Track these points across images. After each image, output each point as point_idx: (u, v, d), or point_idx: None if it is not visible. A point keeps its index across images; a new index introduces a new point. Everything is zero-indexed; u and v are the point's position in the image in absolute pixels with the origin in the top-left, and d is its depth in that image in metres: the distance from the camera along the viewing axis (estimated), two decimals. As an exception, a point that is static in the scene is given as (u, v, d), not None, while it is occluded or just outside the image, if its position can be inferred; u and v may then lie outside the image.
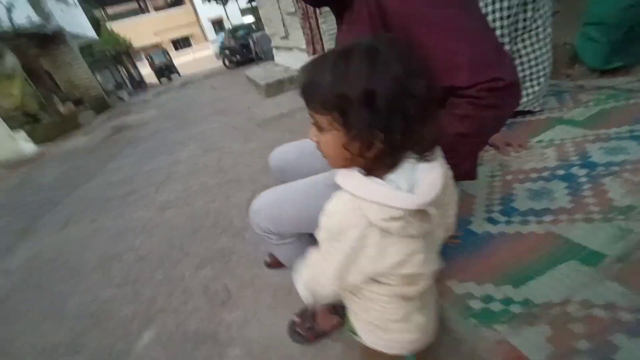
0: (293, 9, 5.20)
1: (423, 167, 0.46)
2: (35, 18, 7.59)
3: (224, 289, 1.54)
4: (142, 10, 26.59)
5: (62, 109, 7.65)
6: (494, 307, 0.73)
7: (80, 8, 11.18)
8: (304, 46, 5.13)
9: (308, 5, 4.52)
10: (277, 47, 7.57)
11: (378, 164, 0.46)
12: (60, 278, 2.02)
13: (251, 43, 10.86)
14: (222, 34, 14.19)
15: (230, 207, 2.30)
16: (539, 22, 1.25)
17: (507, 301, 0.73)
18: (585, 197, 0.94)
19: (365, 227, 0.45)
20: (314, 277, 0.54)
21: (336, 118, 0.43)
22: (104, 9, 23.31)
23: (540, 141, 1.25)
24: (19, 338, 1.59)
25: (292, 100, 4.71)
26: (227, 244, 1.88)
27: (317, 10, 4.45)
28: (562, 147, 1.18)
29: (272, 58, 8.40)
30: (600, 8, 1.51)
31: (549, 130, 1.29)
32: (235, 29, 12.68)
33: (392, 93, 0.40)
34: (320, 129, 0.47)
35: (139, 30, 23.89)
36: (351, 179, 0.47)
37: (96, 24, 13.43)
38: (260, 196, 0.91)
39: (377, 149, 0.43)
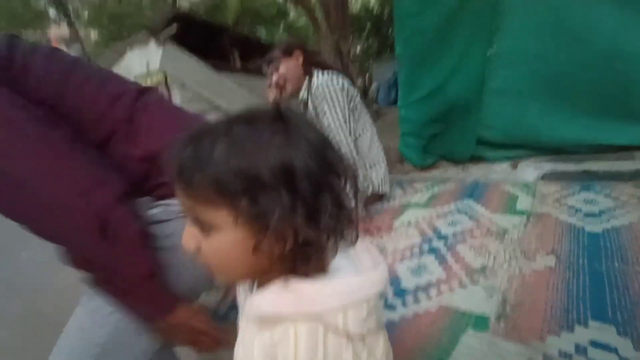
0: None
1: (351, 250, 0.38)
2: None
3: None
4: None
5: None
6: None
7: None
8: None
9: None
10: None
11: (303, 264, 0.33)
12: None
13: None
14: None
15: None
16: (367, 127, 1.56)
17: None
18: (451, 265, 1.06)
19: (349, 349, 0.32)
20: None
21: (241, 209, 0.31)
22: None
23: (401, 223, 1.43)
24: None
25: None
26: None
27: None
28: (419, 225, 1.37)
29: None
30: (408, 124, 2.11)
31: (405, 213, 1.51)
32: None
33: (316, 166, 0.31)
34: (205, 229, 0.33)
35: None
36: (297, 295, 0.32)
37: None
38: None
39: (299, 244, 0.31)
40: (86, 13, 11.47)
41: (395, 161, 2.19)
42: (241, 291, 0.44)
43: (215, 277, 0.37)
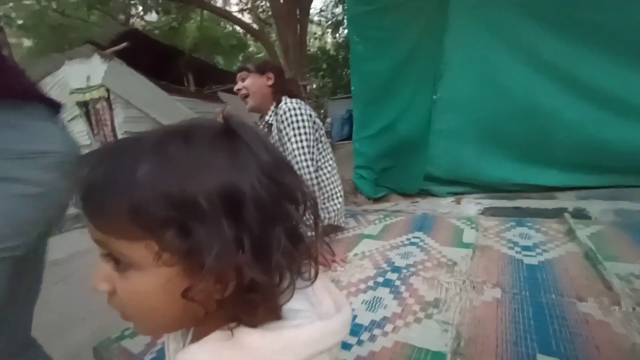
0: (88, 142, 4.62)
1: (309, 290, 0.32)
2: None
3: None
4: None
5: None
6: None
7: None
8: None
9: (109, 139, 4.16)
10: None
11: (249, 311, 0.27)
12: None
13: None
14: None
15: None
16: (328, 160, 1.58)
17: None
18: (405, 298, 1.03)
19: None
20: None
21: (166, 243, 0.24)
22: None
23: (355, 254, 1.39)
24: None
25: (74, 242, 3.61)
26: None
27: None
28: (372, 257, 1.35)
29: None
30: (361, 157, 2.17)
31: (359, 244, 1.48)
32: None
33: (267, 191, 0.26)
34: (120, 267, 0.26)
35: None
36: (253, 345, 0.25)
37: None
38: None
39: (243, 289, 0.26)
40: (20, 19, 10.47)
41: (349, 193, 2.22)
42: (171, 340, 0.35)
43: (135, 327, 0.29)
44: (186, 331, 0.34)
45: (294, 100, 1.42)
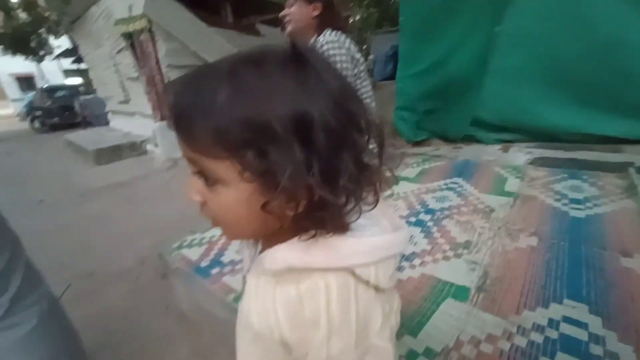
0: (135, 75, 4.80)
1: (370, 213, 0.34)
2: None
3: None
4: None
5: None
6: (404, 369, 0.64)
7: None
8: (149, 112, 4.67)
9: (154, 72, 4.28)
10: (114, 112, 6.65)
11: (319, 224, 0.29)
12: None
13: (77, 105, 9.21)
14: (32, 93, 11.52)
15: None
16: (366, 99, 1.52)
17: (413, 355, 0.66)
18: (436, 238, 1.06)
19: (376, 300, 0.32)
20: None
21: (247, 163, 0.26)
22: None
23: (390, 195, 1.42)
24: None
25: (134, 167, 4.03)
26: None
27: (166, 78, 4.26)
28: (407, 198, 1.37)
29: (106, 123, 7.26)
30: (404, 97, 2.05)
31: (394, 186, 1.50)
32: (54, 88, 10.63)
33: (335, 117, 0.26)
34: (210, 182, 0.30)
35: None
36: (324, 250, 0.29)
37: None
38: None
39: (314, 203, 0.28)
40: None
41: (387, 135, 2.16)
42: (245, 247, 0.40)
43: (223, 232, 0.33)
44: (256, 242, 0.39)
45: (333, 32, 1.34)
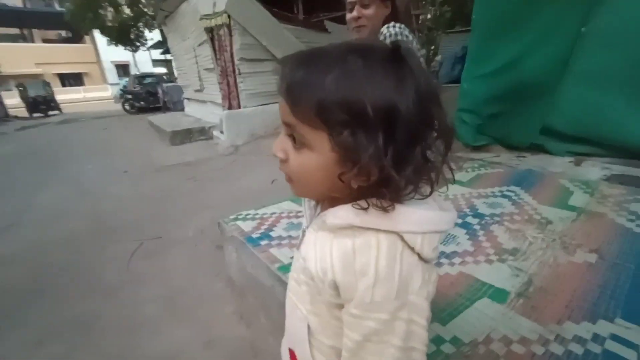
0: (211, 66, 5.27)
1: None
2: None
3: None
4: (25, 39, 23.06)
5: None
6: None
7: None
8: (219, 101, 5.11)
9: (228, 64, 4.67)
10: (190, 99, 7.38)
11: (377, 194, 0.35)
12: None
13: (160, 91, 10.40)
14: (127, 79, 13.31)
15: (103, 260, 1.81)
16: None
17: (439, 340, 0.68)
18: (481, 241, 1.04)
19: (419, 265, 0.36)
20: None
21: (339, 139, 0.32)
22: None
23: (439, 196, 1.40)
24: None
25: (201, 150, 4.46)
26: (91, 307, 1.41)
27: (237, 70, 4.62)
28: (456, 201, 1.34)
29: (182, 109, 8.09)
30: (468, 99, 1.97)
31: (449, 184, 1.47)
32: (143, 75, 12.14)
33: (417, 115, 0.31)
34: (299, 144, 0.35)
35: (15, 56, 20.24)
36: (382, 213, 0.35)
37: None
38: None
39: (378, 178, 0.33)
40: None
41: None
42: (306, 207, 0.47)
43: (292, 188, 0.39)
44: (317, 204, 0.45)
45: (397, 25, 1.28)
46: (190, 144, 4.91)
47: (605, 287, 0.80)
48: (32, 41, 23.40)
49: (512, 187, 1.42)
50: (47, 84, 13.60)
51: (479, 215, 1.20)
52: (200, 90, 6.27)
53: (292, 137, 0.36)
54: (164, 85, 10.56)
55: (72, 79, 24.03)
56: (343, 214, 0.37)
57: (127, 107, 11.21)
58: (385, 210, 0.35)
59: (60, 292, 1.53)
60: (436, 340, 0.68)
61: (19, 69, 20.15)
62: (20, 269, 1.77)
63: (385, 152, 0.31)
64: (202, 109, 6.34)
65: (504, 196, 1.35)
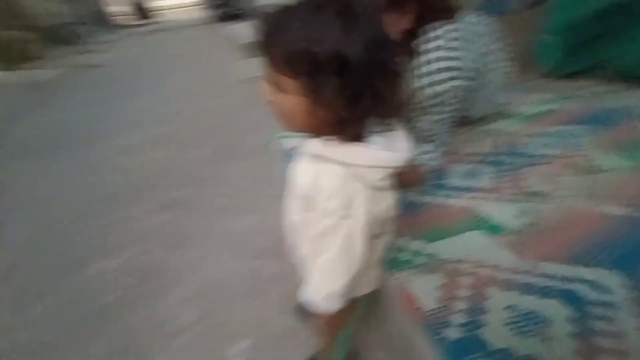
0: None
1: (390, 134, 0.50)
2: None
3: (178, 233, 1.59)
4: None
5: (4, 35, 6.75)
6: (402, 256, 0.82)
7: None
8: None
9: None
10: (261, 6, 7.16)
11: (343, 132, 0.46)
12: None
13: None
14: None
15: (192, 160, 2.30)
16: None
17: (416, 253, 0.83)
18: (504, 181, 1.05)
19: (363, 189, 0.48)
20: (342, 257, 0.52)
21: (303, 83, 0.41)
22: None
23: (482, 130, 1.34)
24: None
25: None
26: (183, 193, 1.91)
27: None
28: (498, 140, 1.27)
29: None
30: (557, 19, 1.61)
31: (492, 123, 1.38)
32: None
33: (365, 60, 0.39)
34: (277, 88, 0.45)
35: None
36: (338, 149, 0.47)
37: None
38: None
39: (341, 117, 0.42)
40: None
41: (524, 62, 1.81)
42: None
43: (282, 125, 0.51)
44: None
45: (434, 33, 0.92)
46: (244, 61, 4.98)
47: (617, 238, 0.79)
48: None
49: (576, 127, 1.27)
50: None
51: (518, 155, 1.16)
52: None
53: (273, 82, 0.46)
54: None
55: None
56: (313, 145, 0.50)
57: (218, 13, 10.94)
58: (342, 145, 0.47)
59: (164, 181, 2.06)
60: (413, 253, 0.83)
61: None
62: (137, 159, 2.36)
63: (340, 92, 0.40)
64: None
65: (559, 136, 1.23)
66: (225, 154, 2.30)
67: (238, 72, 4.28)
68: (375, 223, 0.53)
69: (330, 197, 0.48)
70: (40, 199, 2.02)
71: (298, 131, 0.52)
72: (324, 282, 0.54)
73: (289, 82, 0.42)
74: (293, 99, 0.44)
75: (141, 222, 1.68)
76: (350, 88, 0.39)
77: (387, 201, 0.57)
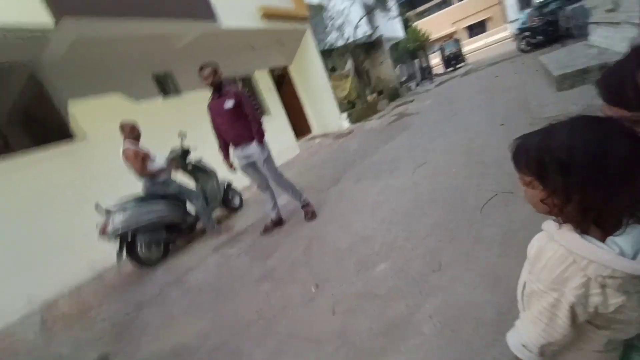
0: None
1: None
2: (368, 31, 10.30)
3: (440, 251, 1.91)
4: (446, 3, 27.87)
5: (369, 98, 10.17)
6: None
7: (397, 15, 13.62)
8: (637, 20, 3.78)
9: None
10: (597, 23, 5.86)
11: (587, 223, 0.51)
12: (347, 211, 3.17)
13: (560, 19, 8.89)
14: (526, 12, 12.31)
15: (470, 187, 2.54)
16: None
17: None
18: None
19: (582, 279, 0.51)
20: (541, 330, 0.57)
21: (538, 181, 0.54)
22: (414, 9, 26.54)
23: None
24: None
25: (588, 94, 3.71)
26: (459, 217, 2.18)
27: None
28: None
29: (585, 37, 6.63)
30: None
31: None
32: (545, 3, 10.65)
33: (587, 161, 0.48)
34: (524, 182, 0.58)
35: (438, 23, 25.45)
36: (566, 234, 0.52)
37: (406, 24, 15.94)
38: None
39: (577, 207, 0.50)
40: None
41: None
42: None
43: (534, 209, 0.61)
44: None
45: None
46: (579, 89, 4.14)
47: None
48: (451, 4, 27.82)
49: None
50: (456, 41, 16.19)
51: None
52: (613, 10, 4.84)
53: (525, 182, 0.60)
54: (567, 8, 8.82)
55: (477, 27, 26.30)
56: (549, 224, 0.60)
57: (523, 45, 10.69)
58: (570, 233, 0.54)
59: (444, 206, 2.42)
60: None
61: (440, 32, 25.18)
62: (427, 186, 2.92)
63: (568, 187, 0.51)
64: (613, 33, 4.90)
65: None
66: (504, 199, 2.30)
67: (541, 109, 3.89)
68: (595, 314, 0.53)
69: (544, 269, 0.55)
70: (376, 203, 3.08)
71: (543, 212, 0.59)
72: (523, 331, 0.61)
73: (528, 179, 0.58)
74: (534, 191, 0.58)
75: (418, 234, 2.19)
76: (576, 183, 0.49)
77: (618, 302, 0.51)
